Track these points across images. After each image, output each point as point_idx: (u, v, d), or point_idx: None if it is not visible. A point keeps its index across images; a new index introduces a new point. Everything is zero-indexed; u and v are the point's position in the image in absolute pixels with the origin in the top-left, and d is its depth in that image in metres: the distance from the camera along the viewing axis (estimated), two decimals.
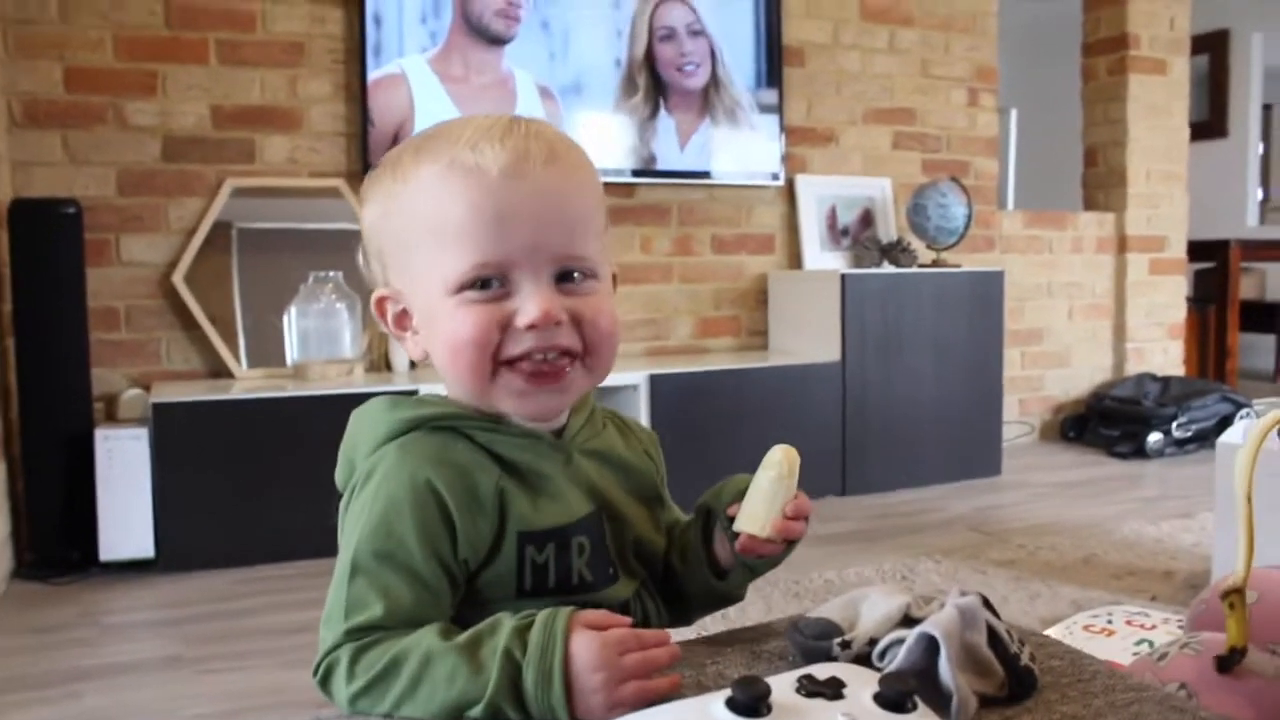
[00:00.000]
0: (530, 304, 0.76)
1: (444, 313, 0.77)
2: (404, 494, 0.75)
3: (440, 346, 0.79)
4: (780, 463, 0.81)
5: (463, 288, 0.77)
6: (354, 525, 0.76)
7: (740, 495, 0.83)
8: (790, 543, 0.84)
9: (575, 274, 0.78)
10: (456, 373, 0.79)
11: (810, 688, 0.61)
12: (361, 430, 0.81)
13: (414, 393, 0.90)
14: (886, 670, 0.67)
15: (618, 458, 0.87)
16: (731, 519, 0.83)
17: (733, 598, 0.88)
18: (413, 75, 3.28)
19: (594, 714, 0.66)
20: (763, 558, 0.84)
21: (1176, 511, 3.21)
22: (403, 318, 0.83)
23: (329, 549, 0.79)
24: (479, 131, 0.78)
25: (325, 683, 0.73)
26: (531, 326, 0.76)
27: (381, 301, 0.83)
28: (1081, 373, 4.61)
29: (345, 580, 0.74)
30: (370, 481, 0.77)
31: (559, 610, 0.69)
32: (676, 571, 0.89)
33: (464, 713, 0.68)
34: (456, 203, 0.76)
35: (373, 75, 3.24)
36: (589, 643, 0.67)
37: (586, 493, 0.82)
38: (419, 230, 0.78)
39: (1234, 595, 0.87)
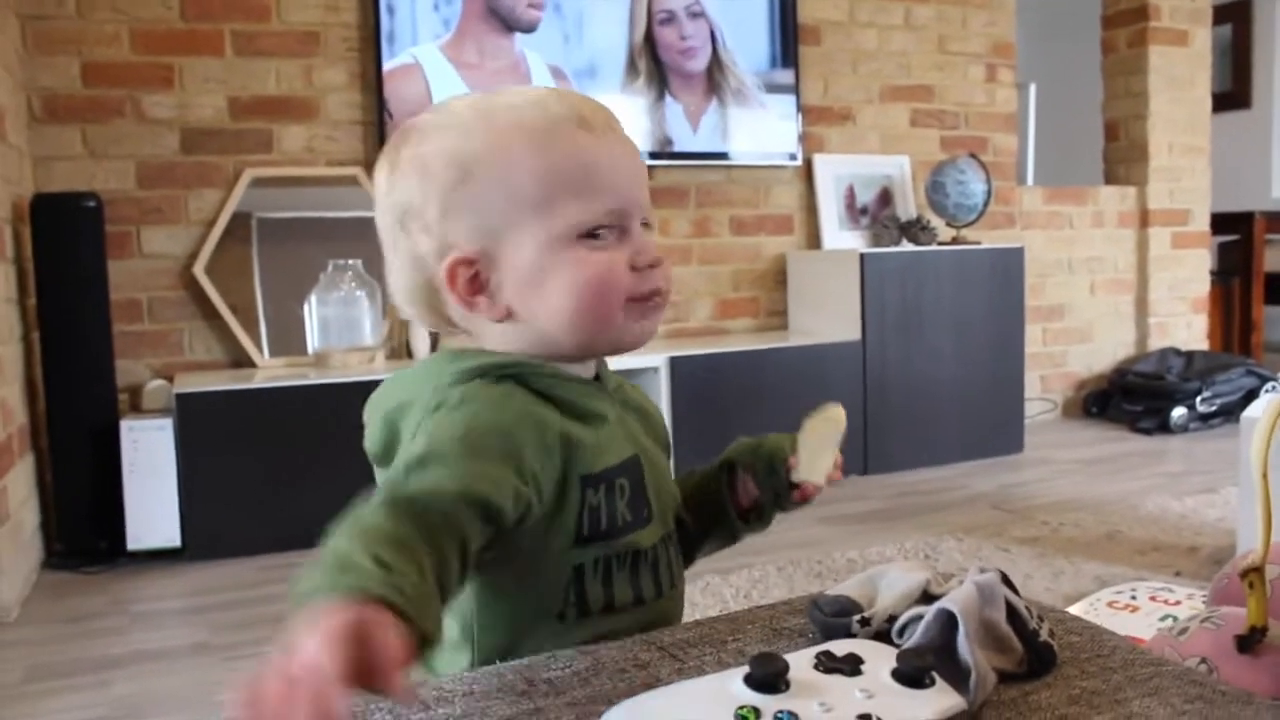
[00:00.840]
0: (646, 245, 0.83)
1: (568, 260, 0.80)
2: (492, 425, 0.75)
3: (563, 293, 0.80)
4: (839, 418, 0.92)
5: (584, 236, 0.80)
6: (438, 429, 0.74)
7: (776, 451, 0.93)
8: None
9: (647, 223, 0.85)
10: (586, 314, 0.81)
11: (829, 664, 0.61)
12: (414, 386, 0.80)
13: None
14: (905, 646, 0.67)
15: (640, 406, 0.92)
16: (788, 473, 0.92)
17: (739, 539, 0.98)
18: (426, 63, 3.29)
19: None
20: (802, 502, 0.94)
21: (1201, 487, 3.20)
22: (476, 281, 0.82)
23: None
24: (551, 95, 0.82)
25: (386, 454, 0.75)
26: (651, 265, 0.82)
27: (456, 266, 0.81)
28: (1104, 348, 4.58)
29: (414, 468, 0.70)
30: (451, 415, 0.75)
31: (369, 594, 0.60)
32: (684, 521, 0.94)
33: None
34: (571, 155, 0.80)
35: (388, 64, 3.24)
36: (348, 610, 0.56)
37: (628, 439, 0.85)
38: (526, 186, 0.80)
39: (1254, 574, 0.87)
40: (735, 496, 0.97)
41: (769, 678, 0.57)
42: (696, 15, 3.65)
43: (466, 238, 0.81)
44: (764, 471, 0.94)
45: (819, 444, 0.90)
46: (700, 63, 3.66)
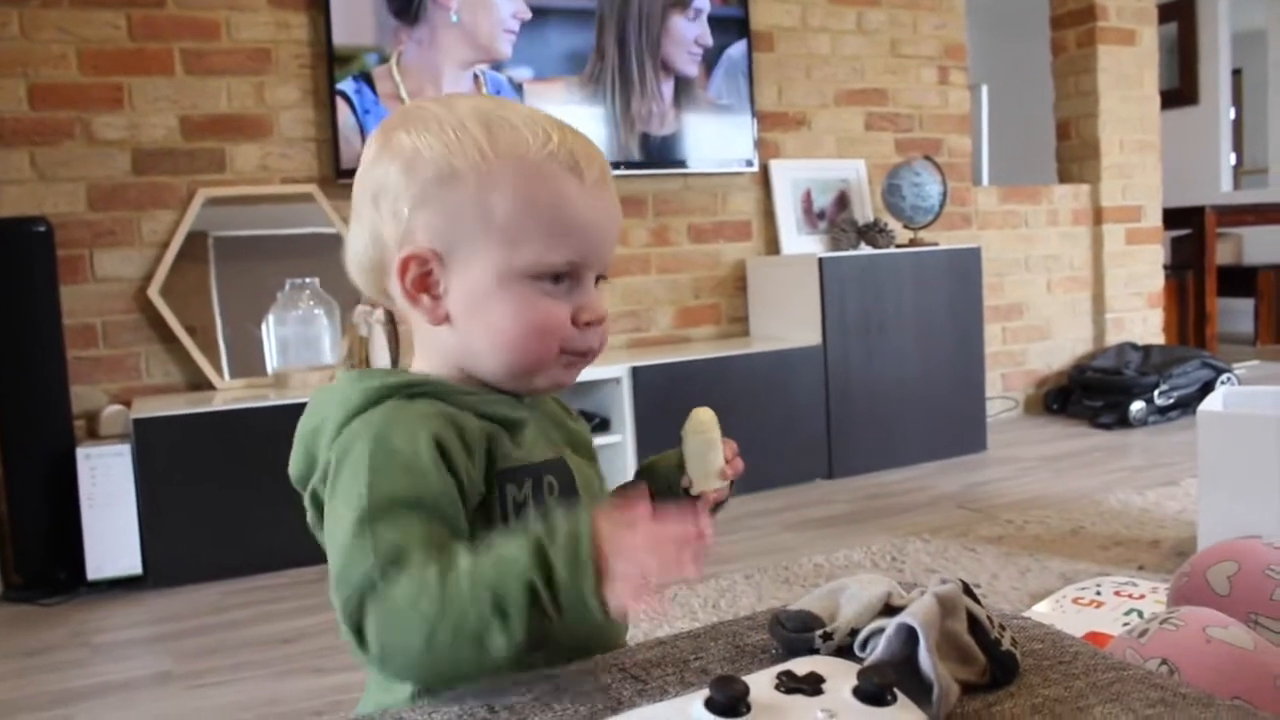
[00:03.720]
0: (593, 303, 0.84)
1: (515, 295, 0.81)
2: (405, 443, 0.76)
3: (503, 324, 0.82)
4: (707, 422, 0.92)
5: (540, 277, 0.81)
6: (351, 486, 0.75)
7: (673, 469, 0.95)
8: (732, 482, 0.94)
9: (603, 276, 0.87)
10: (517, 352, 0.82)
11: (790, 684, 0.61)
12: (326, 406, 0.81)
13: None
14: (866, 662, 0.67)
15: (562, 420, 0.93)
16: (687, 489, 0.93)
17: None
18: (374, 79, 3.27)
19: (617, 597, 0.67)
20: (721, 503, 0.95)
21: (1161, 480, 3.23)
22: (426, 279, 0.83)
23: (317, 556, 0.78)
24: (555, 129, 0.83)
25: (359, 622, 0.71)
26: (590, 324, 0.84)
27: (410, 260, 0.82)
28: (1063, 345, 4.63)
29: (365, 527, 0.72)
30: (357, 446, 0.76)
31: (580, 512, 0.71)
32: None
33: (501, 610, 0.68)
34: (554, 199, 0.81)
35: (341, 80, 3.22)
36: (613, 528, 0.68)
37: (548, 443, 0.87)
38: (501, 213, 0.80)
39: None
40: None
41: (729, 701, 0.57)
42: (660, 24, 3.66)
43: (429, 235, 0.82)
44: (667, 492, 0.96)
45: (700, 451, 0.91)
46: (661, 71, 3.67)
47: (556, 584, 0.67)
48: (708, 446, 0.90)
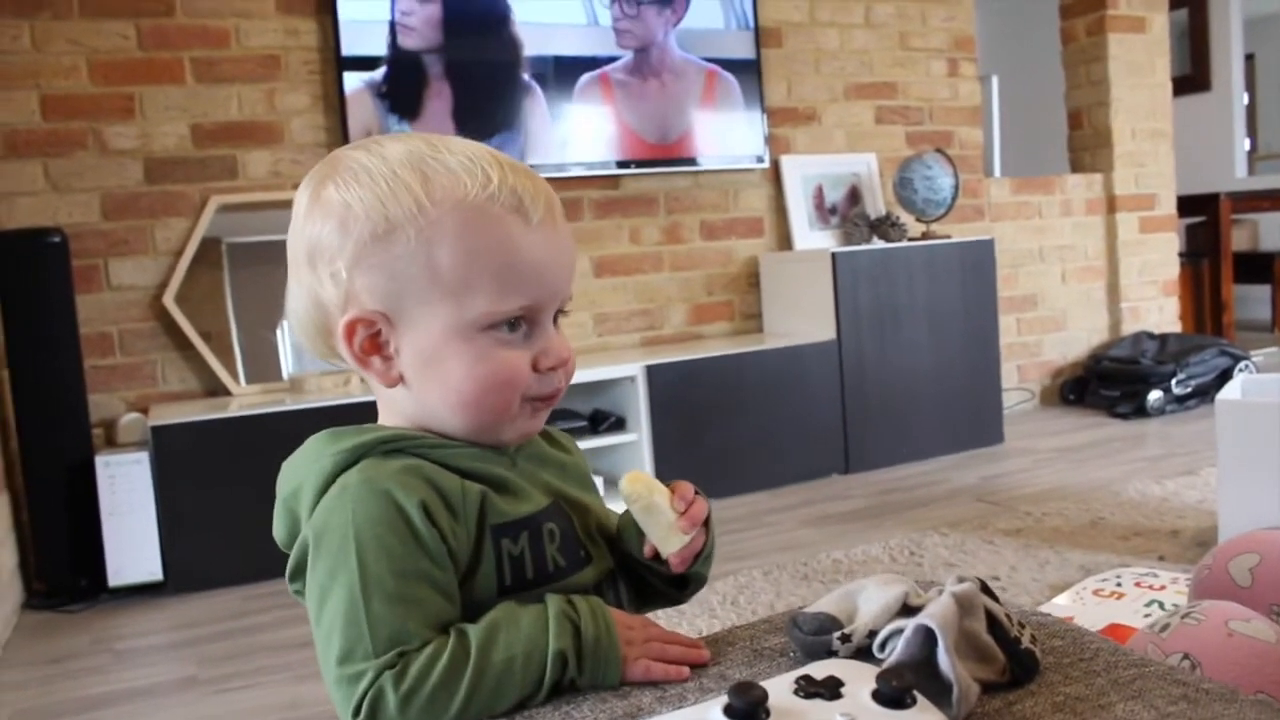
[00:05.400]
0: (554, 346, 0.81)
1: (469, 350, 0.78)
2: (386, 512, 0.73)
3: (459, 382, 0.78)
4: (639, 489, 0.82)
5: (494, 327, 0.78)
6: (338, 563, 0.73)
7: (632, 547, 0.87)
8: (704, 523, 0.85)
9: (563, 311, 0.83)
10: (477, 408, 0.79)
11: (808, 689, 0.61)
12: (302, 471, 0.79)
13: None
14: (885, 664, 0.67)
15: (551, 457, 0.88)
16: (653, 559, 0.85)
17: (700, 584, 0.91)
18: (383, 84, 3.27)
19: (634, 669, 0.73)
20: (700, 553, 0.85)
21: (1180, 469, 3.22)
22: (374, 341, 0.80)
23: None
24: (495, 168, 0.78)
25: (372, 712, 0.69)
26: (553, 368, 0.80)
27: (355, 324, 0.79)
28: (1078, 335, 4.61)
29: (359, 609, 0.71)
30: (337, 518, 0.74)
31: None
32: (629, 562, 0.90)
33: (529, 686, 0.71)
34: (499, 244, 0.77)
35: (350, 85, 3.23)
36: (623, 616, 0.75)
37: (540, 489, 0.83)
38: (445, 265, 0.76)
39: None
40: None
41: (748, 707, 0.57)
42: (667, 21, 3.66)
43: (372, 297, 0.78)
44: (647, 565, 0.88)
45: (645, 519, 0.82)
46: (670, 70, 3.66)
47: (583, 648, 0.72)
48: (648, 513, 0.82)
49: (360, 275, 0.77)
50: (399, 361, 0.80)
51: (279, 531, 0.82)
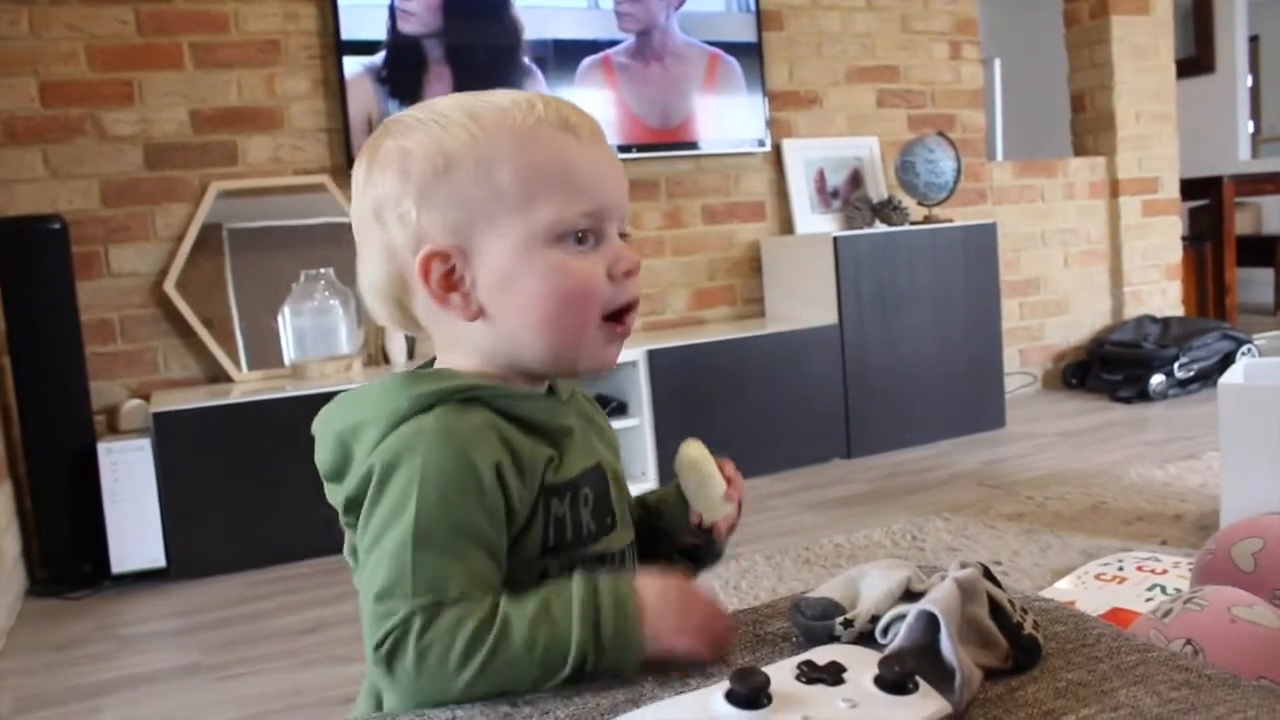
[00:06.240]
0: (624, 253, 0.82)
1: (544, 265, 0.79)
2: (457, 467, 0.74)
3: (539, 299, 0.79)
4: (700, 459, 0.89)
5: (563, 238, 0.79)
6: (399, 503, 0.74)
7: (675, 505, 0.92)
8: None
9: (623, 232, 0.84)
10: (558, 326, 0.80)
11: (810, 674, 0.60)
12: (370, 408, 0.79)
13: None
14: (887, 650, 0.66)
15: (595, 419, 0.91)
16: (697, 525, 0.90)
17: (718, 558, 0.96)
18: (383, 68, 3.26)
19: (662, 643, 0.71)
20: (734, 525, 0.92)
21: (1183, 453, 3.22)
22: (450, 277, 0.80)
23: (337, 546, 0.78)
24: (539, 99, 0.82)
25: (391, 657, 0.71)
26: (629, 273, 0.81)
27: (431, 259, 0.80)
28: (1081, 319, 4.60)
29: (408, 552, 0.72)
30: (406, 460, 0.75)
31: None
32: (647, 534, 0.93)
33: (547, 674, 0.71)
34: (555, 156, 0.79)
35: (349, 69, 3.22)
36: (653, 583, 0.74)
37: (588, 448, 0.85)
38: (507, 182, 0.79)
39: None
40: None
41: (750, 692, 0.57)
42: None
43: (443, 231, 0.79)
44: (677, 530, 0.93)
45: (699, 486, 0.89)
46: (671, 55, 3.65)
47: (602, 634, 0.71)
48: (705, 481, 0.89)
49: (427, 212, 0.79)
50: (476, 294, 0.80)
51: (326, 460, 0.81)
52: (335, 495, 0.80)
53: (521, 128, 0.80)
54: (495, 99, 0.82)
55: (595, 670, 0.71)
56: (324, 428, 0.81)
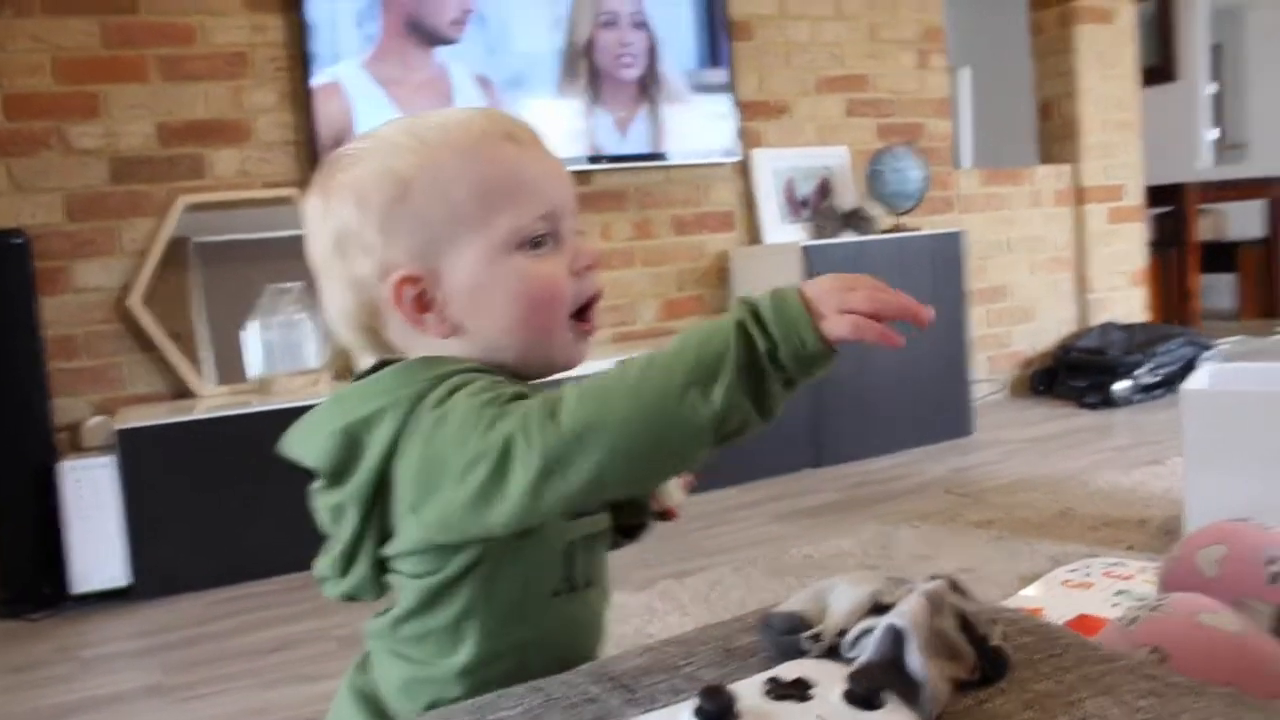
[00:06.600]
0: (582, 248, 0.85)
1: (507, 274, 0.81)
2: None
3: (508, 305, 0.82)
4: None
5: (523, 245, 0.82)
6: (462, 399, 0.75)
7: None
8: None
9: (579, 231, 0.88)
10: (529, 328, 0.82)
11: (778, 690, 0.60)
12: (386, 394, 0.78)
13: None
14: (855, 665, 0.66)
15: None
16: (659, 512, 0.96)
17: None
18: (349, 81, 3.24)
19: (837, 326, 0.75)
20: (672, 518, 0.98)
21: (1147, 458, 3.24)
22: (421, 299, 0.82)
23: (304, 563, 0.77)
24: (478, 113, 0.85)
25: (520, 429, 0.70)
26: (589, 266, 0.85)
27: (402, 285, 0.81)
28: (1047, 326, 4.63)
29: (478, 413, 0.72)
30: (451, 387, 0.76)
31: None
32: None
33: (704, 373, 0.71)
34: (503, 166, 0.82)
35: (316, 82, 3.20)
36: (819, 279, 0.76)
37: None
38: (463, 199, 0.81)
39: None
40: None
41: (718, 710, 0.56)
42: (639, 25, 3.64)
43: (409, 256, 0.81)
44: (636, 510, 0.96)
45: None
46: (634, 73, 3.65)
47: (765, 319, 0.72)
48: None
49: (390, 240, 0.81)
50: (450, 311, 0.82)
51: (322, 460, 0.79)
52: (333, 496, 0.79)
53: (466, 143, 0.82)
54: (436, 119, 0.85)
55: (772, 347, 0.72)
56: (320, 427, 0.80)
